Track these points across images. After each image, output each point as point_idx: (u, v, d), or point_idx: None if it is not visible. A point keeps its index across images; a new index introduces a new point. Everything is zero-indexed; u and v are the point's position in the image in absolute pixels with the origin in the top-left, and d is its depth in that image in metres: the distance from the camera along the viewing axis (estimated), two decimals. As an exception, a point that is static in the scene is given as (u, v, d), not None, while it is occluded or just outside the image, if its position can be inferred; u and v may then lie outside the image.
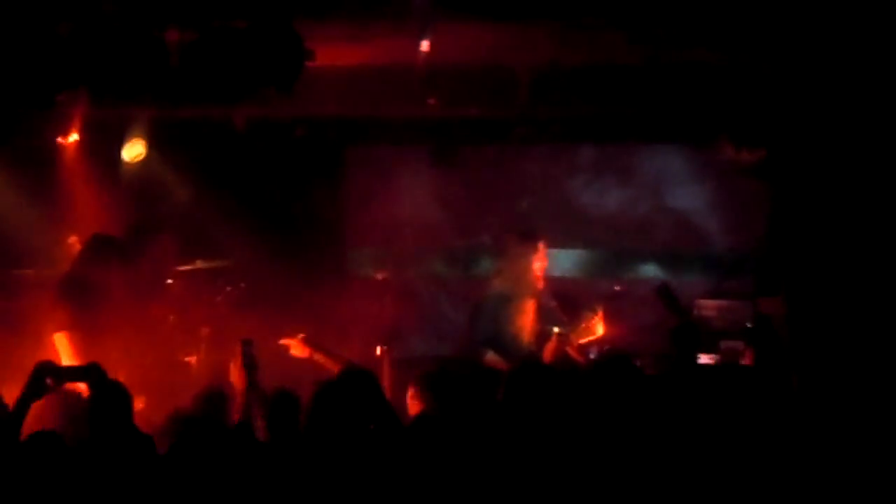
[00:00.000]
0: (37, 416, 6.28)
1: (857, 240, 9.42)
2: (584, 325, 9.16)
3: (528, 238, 9.34)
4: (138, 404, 7.53)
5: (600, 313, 9.24)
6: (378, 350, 9.16)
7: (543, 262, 9.30)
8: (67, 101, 8.41)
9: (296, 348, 7.99)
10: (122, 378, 7.71)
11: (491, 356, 8.95)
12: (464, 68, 9.37)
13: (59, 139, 10.14)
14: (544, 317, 9.29)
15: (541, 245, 9.30)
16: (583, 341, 9.13)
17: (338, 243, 12.00)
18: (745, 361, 7.67)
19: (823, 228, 9.73)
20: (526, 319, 9.22)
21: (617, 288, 9.58)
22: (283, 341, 8.05)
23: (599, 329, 9.18)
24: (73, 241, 9.44)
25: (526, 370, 6.57)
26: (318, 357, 7.80)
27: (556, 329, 8.94)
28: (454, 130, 10.88)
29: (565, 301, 9.51)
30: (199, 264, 10.36)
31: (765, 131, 10.33)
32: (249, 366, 6.67)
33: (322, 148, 11.51)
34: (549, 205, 11.66)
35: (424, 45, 8.22)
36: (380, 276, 9.66)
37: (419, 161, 11.50)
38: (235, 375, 6.74)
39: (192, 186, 10.87)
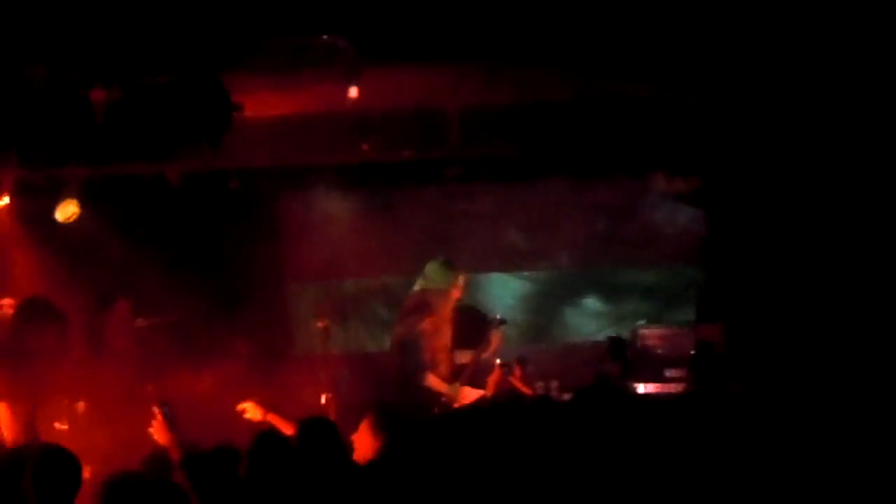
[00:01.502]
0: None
1: (795, 263, 9.53)
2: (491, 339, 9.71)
3: (450, 268, 9.82)
4: (85, 473, 7.50)
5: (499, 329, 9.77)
6: (323, 398, 9.11)
7: (462, 292, 9.87)
8: (-5, 163, 8.35)
9: (251, 411, 7.98)
10: (68, 445, 7.73)
11: (432, 379, 9.51)
12: (394, 112, 9.40)
13: (-10, 203, 10.04)
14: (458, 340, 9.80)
15: (461, 276, 9.82)
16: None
17: (278, 291, 11.94)
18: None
19: (761, 254, 9.83)
20: (444, 342, 9.75)
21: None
22: (239, 406, 8.03)
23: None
24: (7, 304, 9.32)
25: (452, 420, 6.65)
26: (272, 418, 7.80)
27: (497, 361, 9.17)
28: (388, 174, 10.89)
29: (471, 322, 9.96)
30: (140, 322, 10.29)
31: (698, 159, 10.42)
32: (171, 426, 6.67)
33: (257, 197, 11.47)
34: (483, 240, 11.68)
35: (353, 92, 8.24)
36: (320, 323, 9.62)
37: (355, 204, 11.51)
38: (159, 436, 6.72)
39: (129, 243, 10.76)
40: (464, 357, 9.89)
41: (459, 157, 10.50)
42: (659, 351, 10.65)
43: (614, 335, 10.44)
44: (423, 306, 9.78)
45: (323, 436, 6.39)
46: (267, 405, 7.97)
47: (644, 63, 8.29)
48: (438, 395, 9.51)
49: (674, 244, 11.75)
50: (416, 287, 9.94)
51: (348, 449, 6.79)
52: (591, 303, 12.13)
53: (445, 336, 9.79)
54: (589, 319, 12.10)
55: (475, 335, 9.87)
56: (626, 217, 11.91)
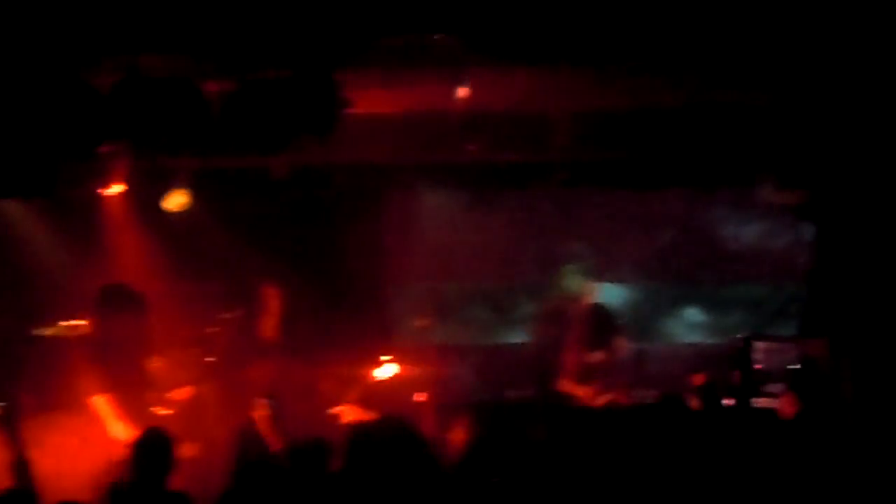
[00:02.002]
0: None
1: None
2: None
3: (583, 274, 10.13)
4: (190, 451, 7.64)
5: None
6: (417, 396, 9.15)
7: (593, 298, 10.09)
8: (110, 152, 8.49)
9: (349, 413, 8.01)
10: (170, 428, 7.87)
11: (566, 383, 9.75)
12: (502, 114, 9.40)
13: (102, 190, 10.23)
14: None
15: (593, 283, 10.10)
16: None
17: (379, 288, 11.99)
18: (784, 403, 7.59)
19: (869, 269, 9.66)
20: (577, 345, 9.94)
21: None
22: (335, 409, 8.08)
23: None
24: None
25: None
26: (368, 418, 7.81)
27: None
28: (493, 175, 10.88)
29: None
30: (239, 312, 10.38)
31: (807, 171, 10.27)
32: (275, 419, 6.71)
33: (361, 194, 11.53)
34: (585, 247, 11.64)
35: (461, 92, 8.25)
36: (420, 322, 9.68)
37: (458, 204, 11.53)
38: (263, 427, 6.77)
39: (234, 234, 10.90)
40: (595, 358, 9.93)
41: (566, 161, 10.46)
42: (760, 365, 10.52)
43: (742, 345, 10.31)
44: (557, 312, 10.01)
45: (404, 436, 6.36)
46: (364, 404, 7.98)
47: (757, 71, 8.20)
48: (572, 397, 9.57)
49: (778, 258, 11.63)
50: (552, 293, 10.18)
51: (440, 446, 6.75)
52: (693, 314, 12.04)
53: (578, 339, 9.85)
54: (690, 331, 12.02)
55: (606, 337, 10.02)
56: (731, 229, 11.79)
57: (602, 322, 10.13)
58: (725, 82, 8.56)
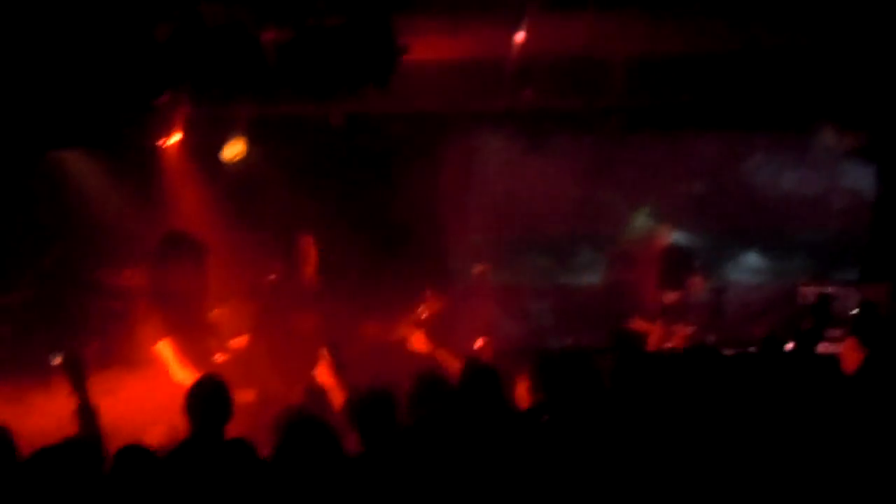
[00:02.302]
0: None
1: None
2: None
3: (654, 218, 10.33)
4: (247, 397, 7.69)
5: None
6: (478, 342, 9.14)
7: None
8: (168, 102, 8.53)
9: (417, 341, 7.97)
10: (228, 375, 7.94)
11: (638, 322, 9.70)
12: (558, 59, 9.35)
13: (161, 140, 10.30)
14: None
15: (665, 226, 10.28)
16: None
17: (436, 236, 11.99)
18: (845, 348, 7.51)
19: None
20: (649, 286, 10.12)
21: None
22: (404, 333, 8.05)
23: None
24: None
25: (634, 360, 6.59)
26: (439, 353, 7.80)
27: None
28: (550, 121, 10.84)
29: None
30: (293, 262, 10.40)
31: (868, 114, 10.17)
32: (338, 368, 6.69)
33: (418, 142, 11.51)
34: (642, 191, 11.57)
35: (518, 38, 8.21)
36: (478, 269, 9.69)
37: (515, 151, 11.48)
38: (323, 377, 6.76)
39: (291, 183, 10.94)
40: (670, 297, 10.05)
41: (623, 106, 10.40)
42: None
43: (826, 293, 10.21)
44: (627, 255, 10.20)
45: (485, 382, 6.37)
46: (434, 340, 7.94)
47: (816, 14, 8.10)
48: (644, 336, 9.57)
49: (840, 202, 11.51)
50: (624, 236, 10.36)
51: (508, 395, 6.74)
52: (753, 258, 11.96)
53: (653, 279, 10.02)
54: (750, 275, 11.94)
55: (681, 277, 10.13)
56: (792, 173, 11.68)
57: (677, 262, 10.20)
58: (784, 25, 8.46)
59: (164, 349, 7.99)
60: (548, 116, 10.78)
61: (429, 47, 8.32)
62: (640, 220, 10.23)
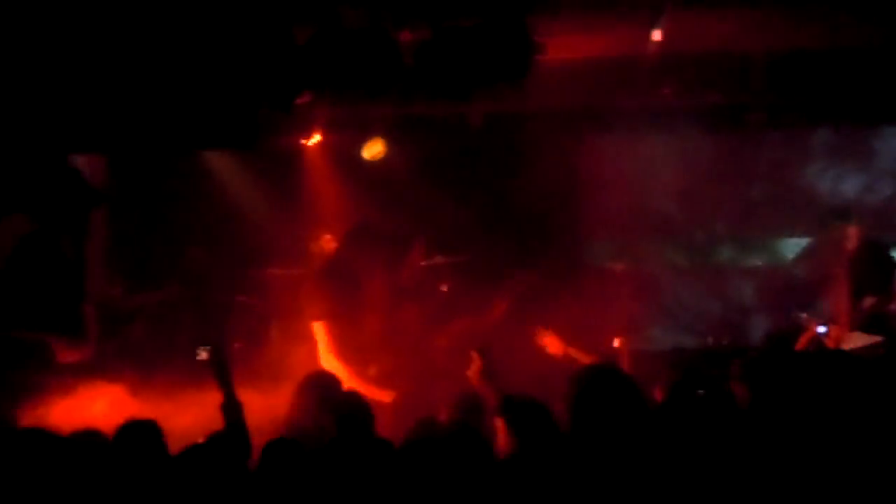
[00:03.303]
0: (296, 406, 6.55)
1: None
2: None
3: (839, 219, 9.90)
4: (388, 396, 7.78)
5: None
6: (616, 342, 9.10)
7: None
8: (308, 103, 8.67)
9: (551, 344, 7.99)
10: (374, 369, 8.03)
11: None
12: (697, 56, 9.26)
13: (302, 140, 10.48)
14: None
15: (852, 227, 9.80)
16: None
17: (574, 235, 11.96)
18: None
19: None
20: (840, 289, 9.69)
21: None
22: (540, 338, 8.06)
23: None
24: (327, 239, 9.69)
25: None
26: (572, 351, 7.80)
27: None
28: (688, 118, 10.72)
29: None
30: (439, 259, 10.49)
31: None
32: (489, 374, 6.68)
33: (556, 139, 11.49)
34: (784, 191, 11.37)
35: (656, 35, 8.15)
36: (617, 268, 9.63)
37: (653, 149, 11.39)
38: (476, 381, 6.74)
39: (430, 182, 11.01)
40: (868, 302, 9.68)
41: (763, 102, 10.25)
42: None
43: None
44: (810, 255, 10.08)
45: (613, 383, 6.30)
46: (566, 338, 7.93)
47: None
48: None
49: None
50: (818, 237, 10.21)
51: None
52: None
53: (841, 284, 9.65)
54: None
55: (880, 280, 9.72)
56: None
57: (876, 263, 9.83)
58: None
59: (319, 331, 8.09)
60: (686, 113, 10.66)
61: (565, 46, 8.30)
62: (829, 220, 9.90)
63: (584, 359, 7.44)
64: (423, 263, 9.21)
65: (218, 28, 7.50)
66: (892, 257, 10.10)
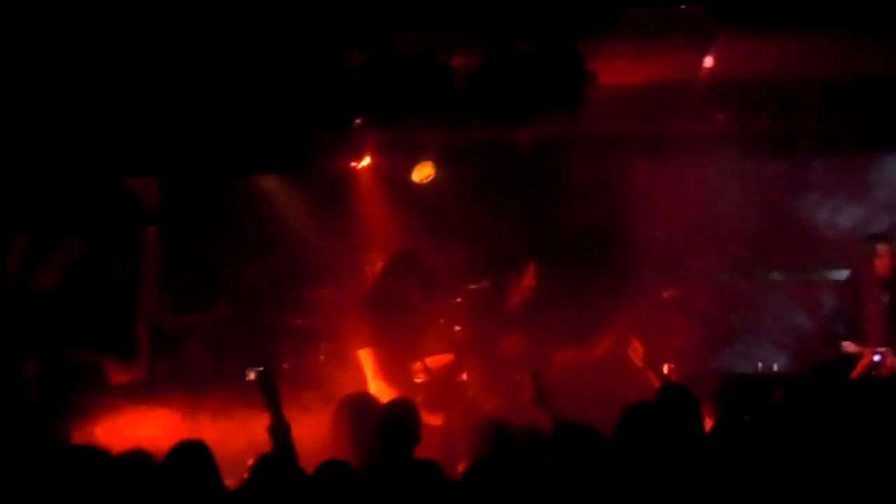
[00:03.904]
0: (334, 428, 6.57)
1: None
2: None
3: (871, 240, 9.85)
4: (436, 420, 7.79)
5: None
6: (665, 367, 9.05)
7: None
8: (359, 127, 8.72)
9: (637, 355, 7.92)
10: (420, 396, 8.04)
11: (849, 345, 9.57)
12: (750, 81, 9.23)
13: (353, 163, 10.53)
14: None
15: (883, 248, 9.74)
16: None
17: (626, 260, 11.88)
18: None
19: None
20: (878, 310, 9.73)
21: None
22: (630, 344, 7.99)
23: None
24: (375, 260, 9.74)
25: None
26: (649, 373, 7.75)
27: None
28: (742, 143, 10.67)
29: None
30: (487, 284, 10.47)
31: None
32: (541, 398, 6.66)
33: (608, 164, 11.45)
34: (835, 217, 11.25)
35: (708, 61, 8.15)
36: (666, 294, 9.58)
37: (707, 174, 11.31)
38: (530, 406, 6.72)
39: (479, 206, 11.00)
40: None
41: (817, 128, 10.19)
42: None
43: None
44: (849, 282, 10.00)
45: (680, 406, 6.28)
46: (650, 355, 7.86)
47: None
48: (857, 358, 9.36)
49: None
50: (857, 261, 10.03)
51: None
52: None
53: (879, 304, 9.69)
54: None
55: None
56: None
57: None
58: None
59: (366, 358, 8.15)
60: (740, 139, 10.60)
61: (617, 70, 8.31)
62: (867, 246, 9.82)
63: (655, 380, 7.41)
64: (533, 288, 9.22)
65: (271, 52, 7.58)
66: None
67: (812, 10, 7.43)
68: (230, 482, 5.91)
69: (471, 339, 8.95)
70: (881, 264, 9.65)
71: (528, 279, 9.12)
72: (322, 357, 9.69)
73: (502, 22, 7.35)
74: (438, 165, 10.57)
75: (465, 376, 8.80)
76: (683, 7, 7.32)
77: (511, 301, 9.12)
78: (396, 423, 6.30)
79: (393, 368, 8.13)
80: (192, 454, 5.71)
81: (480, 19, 7.34)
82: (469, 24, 7.39)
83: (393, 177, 10.74)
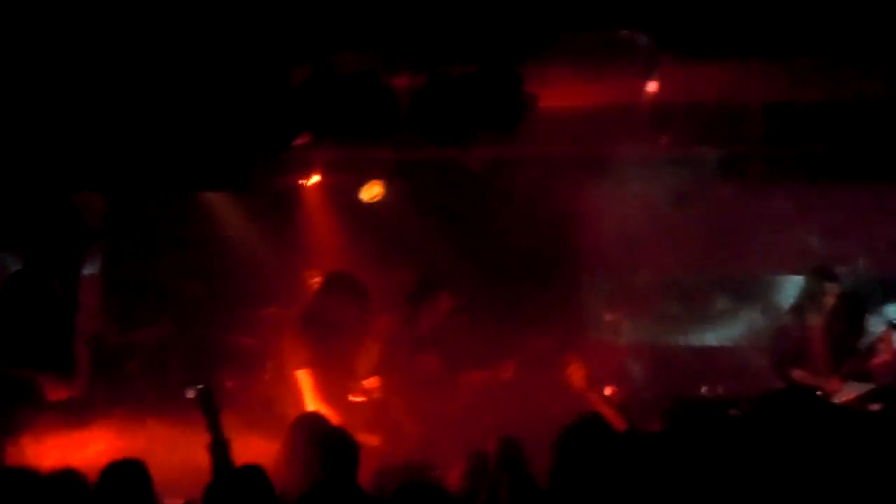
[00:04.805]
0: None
1: None
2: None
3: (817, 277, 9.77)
4: (373, 441, 7.78)
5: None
6: (607, 390, 9.08)
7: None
8: (305, 145, 8.72)
9: (577, 377, 7.82)
10: (359, 416, 8.05)
11: (797, 372, 9.50)
12: (694, 106, 9.27)
13: (301, 181, 10.52)
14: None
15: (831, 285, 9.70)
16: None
17: (571, 280, 11.94)
18: None
19: None
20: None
21: None
22: (569, 364, 7.96)
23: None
24: (315, 280, 9.73)
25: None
26: (592, 396, 7.69)
27: None
28: (687, 167, 10.73)
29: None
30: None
31: None
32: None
33: (555, 185, 11.50)
34: (778, 240, 11.34)
35: (651, 87, 8.19)
36: (610, 318, 9.62)
37: (653, 196, 11.37)
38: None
39: (429, 224, 11.02)
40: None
41: (762, 154, 10.25)
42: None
43: None
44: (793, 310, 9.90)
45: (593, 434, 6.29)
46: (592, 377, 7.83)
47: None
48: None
49: None
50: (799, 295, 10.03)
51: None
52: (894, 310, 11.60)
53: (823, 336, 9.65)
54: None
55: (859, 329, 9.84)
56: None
57: (853, 313, 9.84)
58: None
59: (304, 378, 8.14)
60: (685, 162, 10.66)
61: (562, 94, 8.35)
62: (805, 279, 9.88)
63: (603, 406, 7.36)
64: (447, 314, 9.24)
65: (214, 69, 7.58)
66: (866, 315, 10.09)
67: (754, 38, 7.48)
68: (168, 503, 5.90)
69: (389, 360, 8.93)
70: (827, 301, 9.70)
71: (443, 305, 9.14)
72: (267, 376, 9.65)
73: (445, 43, 7.38)
74: (387, 184, 10.58)
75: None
76: (624, 33, 7.36)
77: (423, 325, 9.13)
78: (336, 445, 6.29)
79: (330, 388, 8.13)
80: (128, 473, 5.68)
81: (423, 40, 7.36)
82: (412, 44, 7.42)
83: (341, 195, 10.74)
